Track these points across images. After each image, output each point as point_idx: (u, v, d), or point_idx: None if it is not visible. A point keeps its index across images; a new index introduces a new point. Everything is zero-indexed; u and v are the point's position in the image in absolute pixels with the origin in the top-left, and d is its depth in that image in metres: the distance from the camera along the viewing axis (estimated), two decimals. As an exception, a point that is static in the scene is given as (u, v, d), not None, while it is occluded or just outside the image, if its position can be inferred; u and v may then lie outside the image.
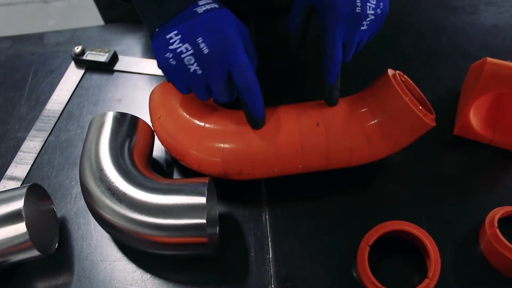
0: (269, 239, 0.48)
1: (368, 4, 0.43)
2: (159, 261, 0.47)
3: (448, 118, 0.56)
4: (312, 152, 0.46)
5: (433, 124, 0.46)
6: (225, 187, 0.50)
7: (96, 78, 0.65)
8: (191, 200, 0.42)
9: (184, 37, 0.40)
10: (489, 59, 0.48)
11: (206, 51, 0.40)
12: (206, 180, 0.45)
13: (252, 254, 0.47)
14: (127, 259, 0.47)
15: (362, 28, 0.44)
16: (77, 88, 0.64)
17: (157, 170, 0.54)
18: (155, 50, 0.42)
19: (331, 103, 0.47)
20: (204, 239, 0.42)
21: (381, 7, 0.44)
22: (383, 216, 0.46)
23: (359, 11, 0.43)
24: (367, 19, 0.44)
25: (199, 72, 0.41)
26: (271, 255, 0.46)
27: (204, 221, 0.41)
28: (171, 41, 0.40)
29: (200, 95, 0.44)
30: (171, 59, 0.41)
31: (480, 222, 0.47)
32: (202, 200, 0.42)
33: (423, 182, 0.51)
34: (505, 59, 0.50)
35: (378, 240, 0.44)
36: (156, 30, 0.42)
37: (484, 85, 0.49)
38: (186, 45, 0.40)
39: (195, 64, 0.40)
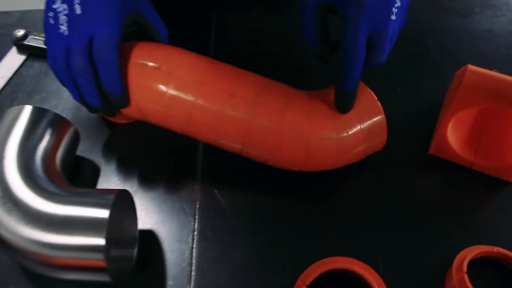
0: (193, 266, 0.40)
1: None
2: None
3: (425, 133, 0.48)
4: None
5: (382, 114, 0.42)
6: (149, 201, 0.43)
7: (37, 67, 0.59)
8: (92, 212, 0.35)
9: None
10: (471, 66, 0.41)
11: (78, 12, 0.40)
12: (116, 191, 0.37)
13: (170, 283, 0.39)
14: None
15: (392, 17, 0.37)
16: (14, 76, 0.58)
17: (80, 180, 0.47)
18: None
19: (344, 111, 0.40)
20: (101, 264, 0.34)
21: None
22: (332, 248, 0.39)
23: None
24: (395, 5, 0.37)
25: (66, 33, 0.40)
26: (192, 286, 0.39)
27: (102, 240, 0.34)
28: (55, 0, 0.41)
29: (59, 56, 0.41)
30: (51, 18, 0.41)
31: (448, 262, 0.39)
32: (104, 214, 0.35)
33: (385, 209, 0.43)
34: (499, 69, 0.42)
35: (321, 278, 0.36)
36: None
37: (464, 98, 0.41)
38: (64, 5, 0.40)
39: (66, 24, 0.40)
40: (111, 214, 0.35)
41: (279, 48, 0.58)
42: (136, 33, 0.44)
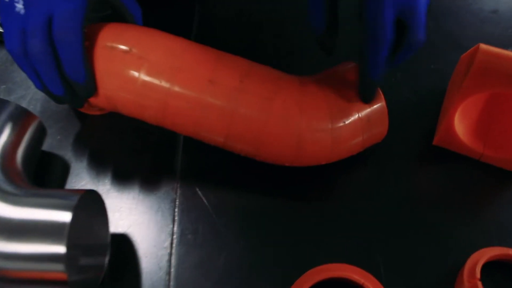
0: (172, 275, 0.36)
1: None
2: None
3: (429, 123, 0.45)
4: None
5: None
6: (123, 201, 0.40)
7: (3, 54, 0.54)
8: (52, 216, 0.31)
9: None
10: (483, 46, 0.37)
11: None
12: (82, 191, 0.33)
13: (145, 294, 0.35)
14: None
15: None
16: (-22, 65, 0.53)
17: (47, 179, 0.43)
18: None
19: (366, 100, 0.37)
20: (62, 276, 0.30)
21: None
22: (328, 252, 0.36)
23: None
24: None
25: (22, 12, 0.36)
26: (169, 297, 0.35)
27: (63, 248, 0.30)
28: None
29: (15, 38, 0.37)
30: None
31: (457, 267, 0.36)
32: (65, 217, 0.31)
33: (385, 207, 0.40)
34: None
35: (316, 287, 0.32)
36: None
37: (474, 81, 0.38)
38: None
39: (22, 2, 0.37)
40: (74, 218, 0.31)
41: (269, 31, 0.54)
42: (110, 18, 0.40)
